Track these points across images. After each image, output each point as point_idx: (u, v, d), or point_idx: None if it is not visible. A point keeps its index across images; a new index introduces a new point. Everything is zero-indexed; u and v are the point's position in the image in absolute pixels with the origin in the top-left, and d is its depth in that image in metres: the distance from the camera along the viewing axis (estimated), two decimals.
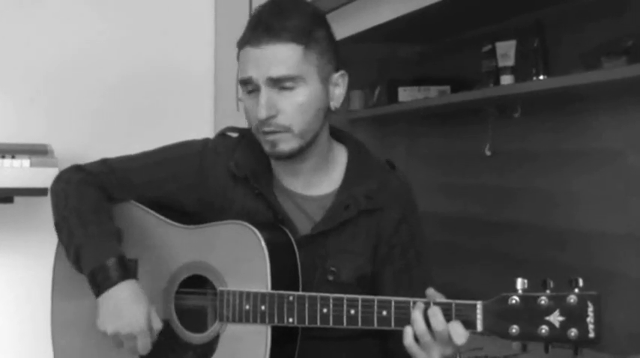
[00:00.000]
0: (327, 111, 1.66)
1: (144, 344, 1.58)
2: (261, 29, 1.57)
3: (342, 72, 1.67)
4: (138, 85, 3.23)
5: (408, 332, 1.43)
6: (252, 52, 1.57)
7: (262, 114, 1.57)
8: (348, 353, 1.69)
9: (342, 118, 3.15)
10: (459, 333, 1.38)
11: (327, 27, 1.65)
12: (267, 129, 1.60)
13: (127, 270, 1.61)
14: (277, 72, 1.56)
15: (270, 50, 1.56)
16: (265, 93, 1.57)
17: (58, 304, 1.82)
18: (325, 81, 1.63)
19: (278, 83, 1.57)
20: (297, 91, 1.58)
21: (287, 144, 1.61)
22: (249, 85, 1.59)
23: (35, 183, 2.57)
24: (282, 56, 1.56)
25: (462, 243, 2.93)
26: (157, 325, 1.59)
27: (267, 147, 1.63)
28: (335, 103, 1.67)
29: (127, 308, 1.56)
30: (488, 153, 2.72)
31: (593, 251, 2.29)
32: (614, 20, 2.25)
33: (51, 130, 3.03)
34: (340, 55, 1.68)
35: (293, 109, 1.59)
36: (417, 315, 1.42)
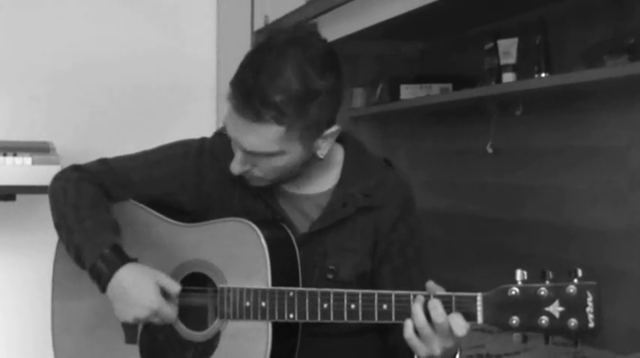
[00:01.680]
0: (313, 157, 1.62)
1: (167, 316, 1.58)
2: (242, 100, 1.48)
3: (334, 129, 1.59)
4: (139, 83, 3.24)
5: (408, 325, 1.43)
6: (232, 113, 1.51)
7: (235, 170, 1.58)
8: (349, 348, 1.69)
9: (343, 116, 3.15)
10: (459, 325, 1.38)
11: (326, 87, 1.51)
12: (245, 177, 1.61)
13: (122, 257, 1.60)
14: (252, 148, 1.53)
15: (248, 125, 1.50)
16: (240, 153, 1.56)
17: (58, 304, 1.82)
18: (309, 144, 1.57)
19: (255, 154, 1.55)
20: (274, 158, 1.56)
21: (261, 183, 1.63)
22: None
23: (37, 180, 2.58)
24: (259, 134, 1.50)
25: (463, 241, 2.93)
26: (174, 289, 1.59)
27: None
28: (321, 152, 1.61)
29: (134, 292, 1.56)
30: (489, 150, 2.72)
31: (596, 248, 2.29)
32: (616, 18, 2.25)
33: (53, 128, 3.04)
34: (339, 107, 1.57)
35: (268, 169, 1.58)
36: (417, 308, 1.42)
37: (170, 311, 1.58)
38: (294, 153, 1.56)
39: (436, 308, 1.40)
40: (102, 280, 1.59)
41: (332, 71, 1.53)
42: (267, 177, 1.60)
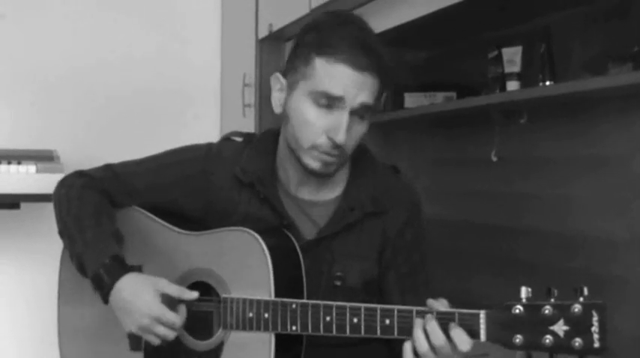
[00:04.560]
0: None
1: (170, 321, 1.56)
2: (370, 60, 1.55)
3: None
4: (144, 91, 3.25)
5: (407, 349, 1.42)
6: (351, 73, 1.55)
7: (343, 139, 1.57)
8: None
9: None
10: (463, 340, 1.37)
11: None
12: (334, 152, 1.60)
13: (123, 266, 1.61)
14: (370, 100, 1.57)
15: (369, 79, 1.57)
16: (348, 118, 1.57)
17: (64, 310, 1.84)
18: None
19: (362, 110, 1.58)
20: (364, 122, 1.61)
21: (336, 167, 1.64)
22: (329, 101, 1.57)
23: (41, 188, 2.58)
24: (374, 87, 1.58)
25: (468, 249, 2.92)
26: (175, 291, 1.60)
27: (315, 165, 1.61)
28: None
29: (134, 302, 1.57)
30: (494, 159, 2.70)
31: (600, 257, 2.28)
32: (620, 26, 2.24)
33: (57, 136, 3.05)
34: None
35: (356, 138, 1.62)
36: (418, 333, 1.41)
37: (173, 317, 1.57)
38: (368, 122, 1.63)
39: (434, 331, 1.39)
40: (103, 290, 1.59)
41: None
42: (348, 155, 1.63)
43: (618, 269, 2.21)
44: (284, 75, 1.66)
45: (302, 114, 1.59)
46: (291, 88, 1.63)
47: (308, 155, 1.61)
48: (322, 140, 1.58)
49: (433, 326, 1.39)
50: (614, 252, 2.25)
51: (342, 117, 1.56)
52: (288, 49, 3.14)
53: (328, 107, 1.57)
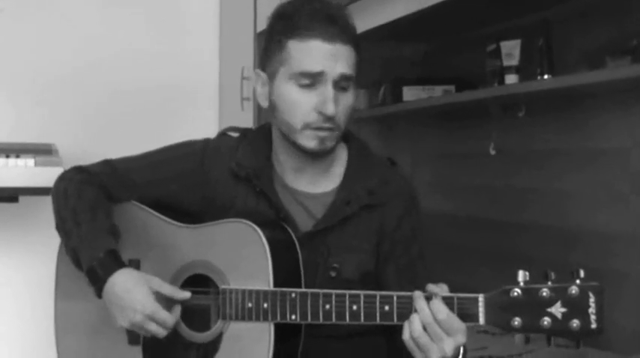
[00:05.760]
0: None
1: (162, 320, 1.57)
2: (337, 28, 1.60)
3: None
4: (142, 85, 3.24)
5: (406, 328, 1.43)
6: (324, 46, 1.59)
7: (332, 110, 1.59)
8: (353, 350, 1.69)
9: None
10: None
11: None
12: (326, 125, 1.61)
13: (118, 262, 1.60)
14: (348, 70, 1.60)
15: (343, 50, 1.60)
16: (333, 90, 1.59)
17: (61, 304, 1.83)
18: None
19: (343, 82, 1.61)
20: (349, 93, 1.63)
21: (332, 141, 1.65)
22: (311, 79, 1.60)
23: (40, 182, 2.58)
24: (349, 57, 1.61)
25: (466, 242, 2.93)
26: (167, 290, 1.60)
27: (312, 144, 1.63)
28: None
29: (127, 297, 1.56)
30: (492, 152, 2.71)
31: (598, 250, 2.29)
32: (618, 20, 2.25)
33: (55, 130, 3.05)
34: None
35: (345, 110, 1.63)
36: (414, 317, 1.42)
37: (166, 316, 1.57)
38: (355, 91, 1.66)
39: (438, 308, 1.40)
40: (97, 284, 1.59)
41: None
42: (341, 127, 1.65)
43: (617, 263, 2.22)
44: (263, 69, 1.69)
45: (288, 98, 1.63)
46: (271, 78, 1.66)
47: (303, 136, 1.63)
48: (313, 117, 1.61)
49: (438, 304, 1.41)
50: (613, 246, 2.25)
51: (326, 91, 1.59)
52: None
53: (311, 85, 1.60)
